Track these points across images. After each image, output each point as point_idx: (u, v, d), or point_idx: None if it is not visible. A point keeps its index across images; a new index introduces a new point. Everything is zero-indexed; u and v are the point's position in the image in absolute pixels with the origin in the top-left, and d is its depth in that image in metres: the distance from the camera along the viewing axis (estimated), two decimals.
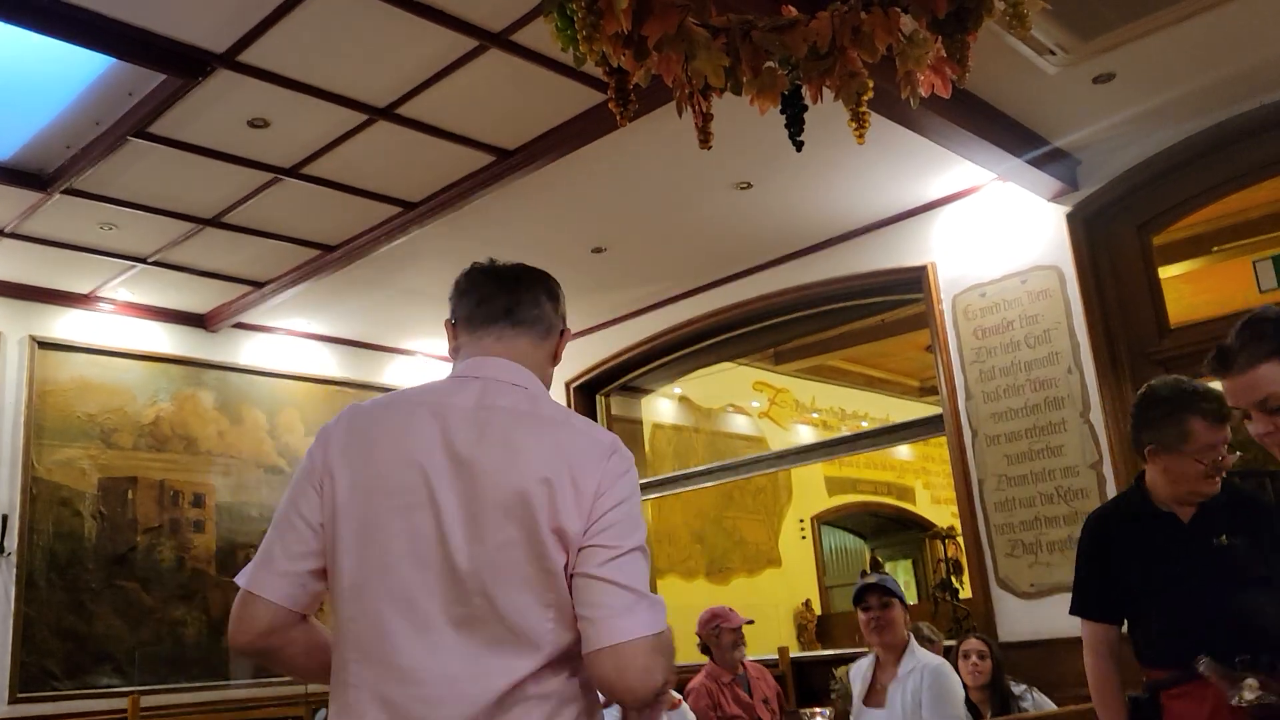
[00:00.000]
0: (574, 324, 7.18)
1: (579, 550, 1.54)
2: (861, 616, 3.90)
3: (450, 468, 1.57)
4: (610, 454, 1.61)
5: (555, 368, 1.83)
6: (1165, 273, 5.26)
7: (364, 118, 4.49)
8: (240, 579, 1.63)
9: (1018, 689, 4.46)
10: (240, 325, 6.72)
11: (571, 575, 1.54)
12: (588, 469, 1.57)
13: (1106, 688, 2.66)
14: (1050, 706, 4.45)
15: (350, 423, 1.67)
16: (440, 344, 7.75)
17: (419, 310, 6.74)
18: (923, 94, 2.28)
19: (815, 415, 9.95)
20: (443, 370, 1.81)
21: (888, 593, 3.87)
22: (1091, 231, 5.26)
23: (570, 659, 1.56)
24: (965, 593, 6.56)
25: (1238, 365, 1.94)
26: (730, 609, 5.01)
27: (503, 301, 1.75)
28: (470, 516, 1.55)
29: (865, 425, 9.61)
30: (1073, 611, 2.76)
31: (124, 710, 5.56)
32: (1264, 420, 1.93)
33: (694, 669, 5.00)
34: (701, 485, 7.60)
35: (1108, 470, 5.02)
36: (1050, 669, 4.90)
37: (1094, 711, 3.50)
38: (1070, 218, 5.29)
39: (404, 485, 1.58)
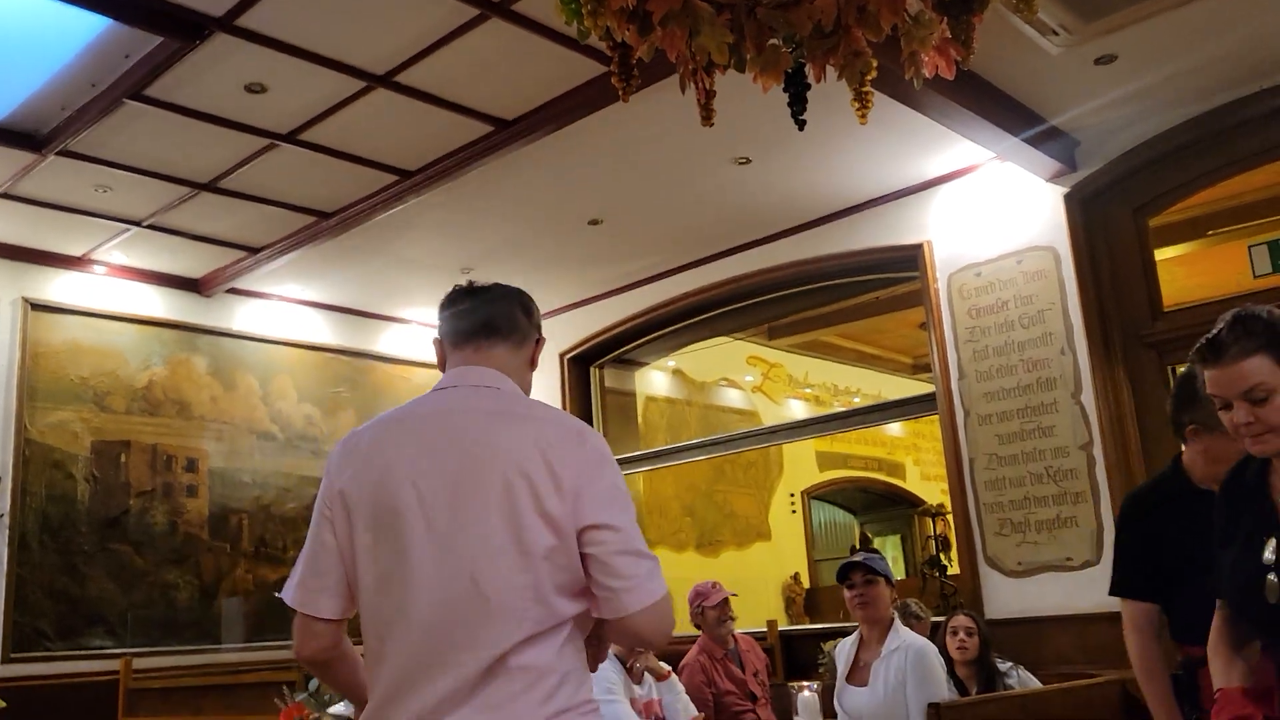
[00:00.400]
0: (569, 295, 7.28)
1: (583, 530, 1.71)
2: (846, 594, 3.93)
3: (434, 467, 1.76)
4: (581, 438, 1.78)
5: (534, 372, 2.02)
6: (1160, 255, 5.27)
7: (362, 85, 4.47)
8: (291, 601, 1.84)
9: (1003, 666, 4.51)
10: (234, 290, 6.70)
11: (586, 554, 1.71)
12: (562, 455, 1.73)
13: (1151, 666, 2.67)
14: (1035, 684, 4.50)
15: (347, 444, 1.89)
16: (433, 313, 7.76)
17: (414, 279, 6.73)
18: (926, 75, 2.27)
19: (808, 391, 9.98)
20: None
21: (872, 571, 3.89)
22: (1088, 213, 5.27)
23: (548, 634, 1.71)
24: (953, 569, 6.62)
25: (1229, 355, 2.00)
26: (713, 584, 4.94)
27: (480, 316, 1.95)
28: (456, 508, 1.73)
29: (858, 401, 9.65)
30: (1112, 592, 2.76)
31: (116, 671, 5.59)
32: (1246, 410, 2.00)
33: (688, 640, 5.00)
34: (693, 459, 7.63)
35: (1098, 452, 5.05)
36: (1036, 647, 4.95)
37: (1076, 690, 3.53)
38: (1068, 198, 5.29)
39: (397, 487, 1.76)
